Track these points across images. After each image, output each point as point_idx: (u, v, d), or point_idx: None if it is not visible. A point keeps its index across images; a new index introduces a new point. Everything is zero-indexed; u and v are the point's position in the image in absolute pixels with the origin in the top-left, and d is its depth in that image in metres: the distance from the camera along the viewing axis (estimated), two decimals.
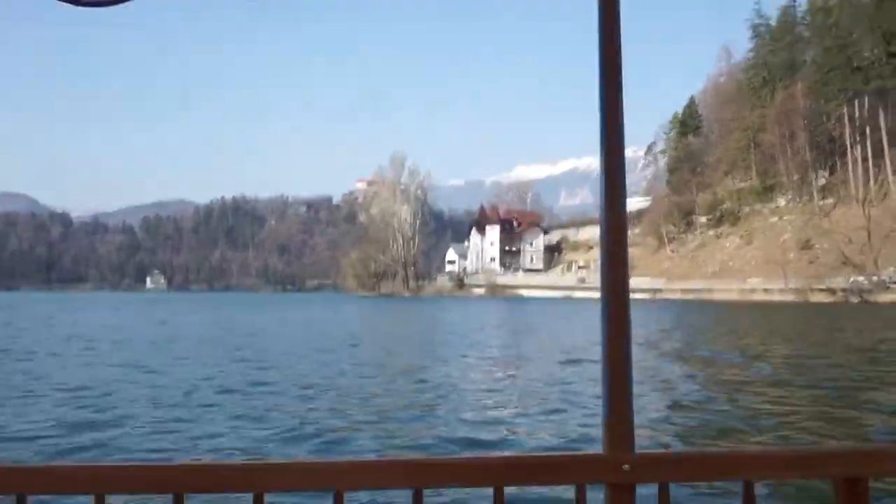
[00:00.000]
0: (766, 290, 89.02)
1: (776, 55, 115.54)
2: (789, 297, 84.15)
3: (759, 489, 1.74)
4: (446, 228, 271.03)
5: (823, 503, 2.06)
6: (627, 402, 1.79)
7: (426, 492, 1.82)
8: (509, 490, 1.81)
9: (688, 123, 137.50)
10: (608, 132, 1.86)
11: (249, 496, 1.78)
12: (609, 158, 1.84)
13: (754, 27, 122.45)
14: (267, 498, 1.80)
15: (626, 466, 1.76)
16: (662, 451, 1.75)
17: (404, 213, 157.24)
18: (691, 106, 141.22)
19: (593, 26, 1.91)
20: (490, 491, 1.82)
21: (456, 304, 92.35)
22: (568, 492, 1.82)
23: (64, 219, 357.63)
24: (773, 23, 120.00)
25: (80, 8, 1.68)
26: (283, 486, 1.78)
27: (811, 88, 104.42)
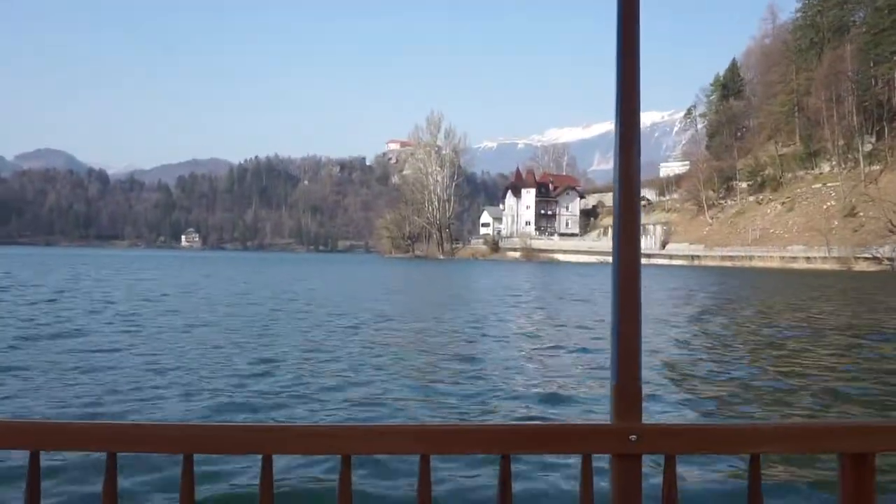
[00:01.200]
0: (807, 259, 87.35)
1: (824, 16, 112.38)
2: (832, 266, 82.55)
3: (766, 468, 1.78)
4: (479, 191, 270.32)
5: (830, 478, 2.12)
6: (636, 373, 1.79)
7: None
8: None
9: (729, 86, 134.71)
10: (623, 103, 1.83)
11: (258, 458, 1.78)
12: (624, 132, 1.82)
13: None
14: (275, 459, 1.80)
15: (632, 437, 1.76)
16: (669, 422, 1.80)
17: (440, 174, 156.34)
18: (733, 68, 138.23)
19: None
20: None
21: (493, 267, 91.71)
22: (575, 459, 1.83)
23: (101, 175, 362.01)
24: None
25: None
26: (290, 449, 1.81)
27: (860, 50, 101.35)
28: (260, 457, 1.77)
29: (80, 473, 6.05)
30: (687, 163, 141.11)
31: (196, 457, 1.79)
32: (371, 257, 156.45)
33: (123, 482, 5.88)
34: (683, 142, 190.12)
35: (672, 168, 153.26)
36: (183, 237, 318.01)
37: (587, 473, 1.81)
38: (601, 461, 1.82)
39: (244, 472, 6.07)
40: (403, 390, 10.40)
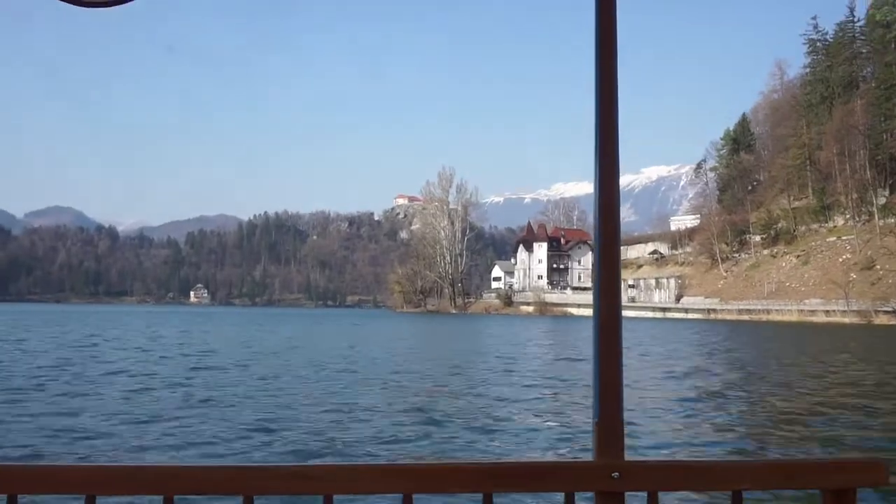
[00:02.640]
0: (826, 312, 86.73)
1: (834, 71, 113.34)
2: (851, 319, 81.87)
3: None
4: (487, 245, 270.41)
5: None
6: (618, 410, 1.79)
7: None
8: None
9: (740, 140, 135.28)
10: (603, 153, 1.84)
11: (239, 499, 1.77)
12: (603, 178, 1.84)
13: (810, 42, 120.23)
14: (256, 502, 1.79)
15: (615, 474, 1.75)
16: (652, 459, 1.82)
17: (451, 229, 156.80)
18: (744, 122, 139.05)
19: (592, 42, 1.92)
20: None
21: (511, 322, 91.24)
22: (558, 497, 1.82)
23: (111, 232, 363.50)
24: (829, 38, 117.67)
25: (81, 8, 1.66)
26: (271, 490, 1.77)
27: (871, 105, 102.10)
28: (241, 498, 1.76)
29: None
30: (698, 216, 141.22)
31: (178, 499, 1.76)
32: (382, 312, 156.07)
33: None
34: (690, 195, 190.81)
35: (683, 221, 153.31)
36: (192, 293, 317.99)
37: None
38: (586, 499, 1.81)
39: None
40: None
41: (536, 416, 13.45)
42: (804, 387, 18.79)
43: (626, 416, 1.78)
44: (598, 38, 1.89)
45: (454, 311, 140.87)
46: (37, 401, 14.68)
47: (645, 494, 1.82)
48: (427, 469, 1.83)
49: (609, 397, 1.79)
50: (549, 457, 9.32)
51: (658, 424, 12.25)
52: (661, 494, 1.82)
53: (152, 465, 1.79)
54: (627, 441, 1.84)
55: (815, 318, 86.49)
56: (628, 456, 1.81)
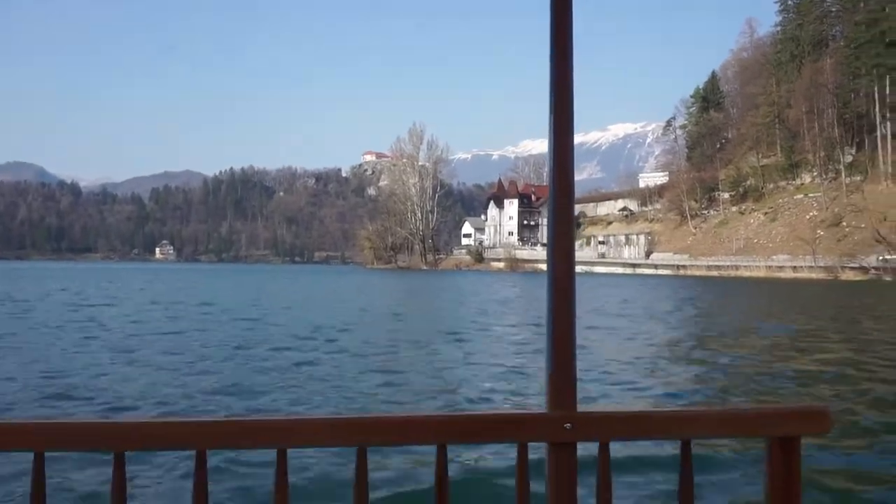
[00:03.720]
0: (794, 268, 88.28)
1: (804, 29, 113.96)
2: (818, 275, 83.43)
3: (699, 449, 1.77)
4: (456, 202, 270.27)
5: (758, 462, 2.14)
6: (571, 362, 1.80)
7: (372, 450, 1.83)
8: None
9: (710, 98, 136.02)
10: (557, 111, 1.83)
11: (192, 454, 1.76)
12: (558, 136, 1.82)
13: (782, 0, 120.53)
14: (210, 456, 1.78)
15: (567, 425, 1.78)
16: (603, 410, 1.89)
17: (421, 186, 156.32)
18: (713, 80, 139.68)
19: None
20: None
21: (484, 277, 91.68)
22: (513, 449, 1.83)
23: (73, 188, 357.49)
24: None
25: None
26: (226, 444, 1.78)
27: (840, 64, 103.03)
28: (194, 452, 1.76)
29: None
30: (667, 174, 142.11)
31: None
32: (352, 268, 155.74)
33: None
34: (657, 153, 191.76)
35: (651, 179, 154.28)
36: (157, 250, 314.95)
37: (522, 462, 1.82)
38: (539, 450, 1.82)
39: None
40: None
41: (498, 369, 13.51)
42: (761, 341, 19.06)
43: (582, 368, 1.77)
44: (553, 20, 1.84)
45: (425, 268, 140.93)
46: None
47: (596, 444, 1.84)
48: (381, 421, 1.84)
49: (561, 349, 1.79)
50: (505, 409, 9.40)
51: (613, 378, 12.42)
52: (612, 444, 1.84)
53: (105, 422, 1.82)
54: (582, 394, 1.84)
55: (782, 274, 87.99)
56: (582, 408, 1.81)
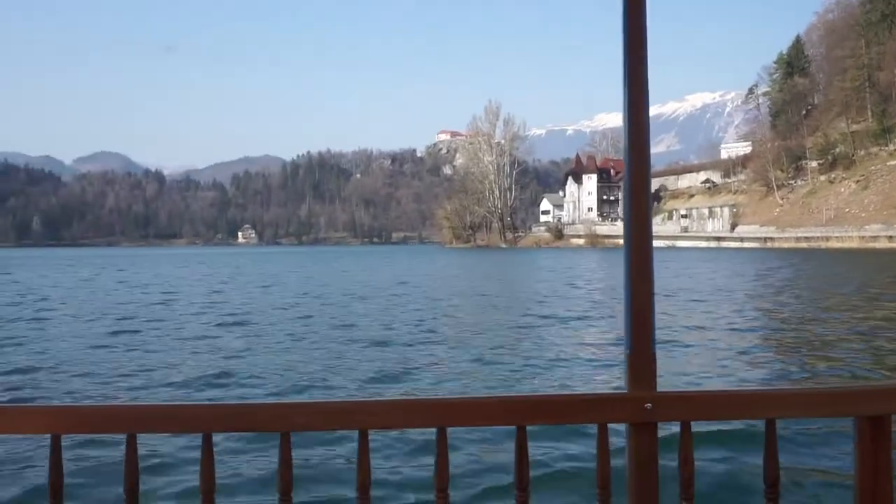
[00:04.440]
0: (890, 238, 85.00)
1: None
2: None
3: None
4: (532, 179, 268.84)
5: (847, 441, 2.14)
6: (650, 342, 1.79)
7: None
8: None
9: (794, 63, 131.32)
10: (631, 87, 1.81)
11: (276, 435, 1.79)
12: (632, 109, 1.81)
13: None
14: (293, 437, 1.81)
15: (647, 405, 1.77)
16: (684, 390, 1.88)
17: (499, 163, 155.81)
18: (797, 45, 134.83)
19: None
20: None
21: (563, 255, 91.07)
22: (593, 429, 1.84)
23: (158, 176, 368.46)
24: None
25: None
26: (312, 426, 1.83)
27: None
28: (279, 434, 1.80)
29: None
30: (749, 143, 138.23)
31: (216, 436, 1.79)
32: (432, 248, 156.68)
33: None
34: (737, 122, 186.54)
35: (734, 149, 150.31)
36: (239, 234, 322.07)
37: (603, 442, 1.83)
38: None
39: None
40: None
41: (579, 348, 13.69)
42: (849, 315, 18.49)
43: (661, 346, 1.78)
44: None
45: (504, 246, 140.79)
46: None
47: (678, 424, 1.83)
48: (462, 403, 1.85)
49: (640, 329, 1.78)
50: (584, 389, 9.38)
51: (693, 355, 12.34)
52: (693, 424, 1.82)
53: (191, 404, 1.87)
54: (661, 371, 1.84)
55: (877, 245, 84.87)
56: (661, 386, 1.80)
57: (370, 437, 1.82)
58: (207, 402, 1.80)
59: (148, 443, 6.61)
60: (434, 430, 1.81)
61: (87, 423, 1.82)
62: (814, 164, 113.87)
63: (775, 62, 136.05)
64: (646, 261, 1.81)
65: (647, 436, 1.81)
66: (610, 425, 1.84)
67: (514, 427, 1.83)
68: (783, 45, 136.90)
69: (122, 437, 1.79)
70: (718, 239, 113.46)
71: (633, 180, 1.81)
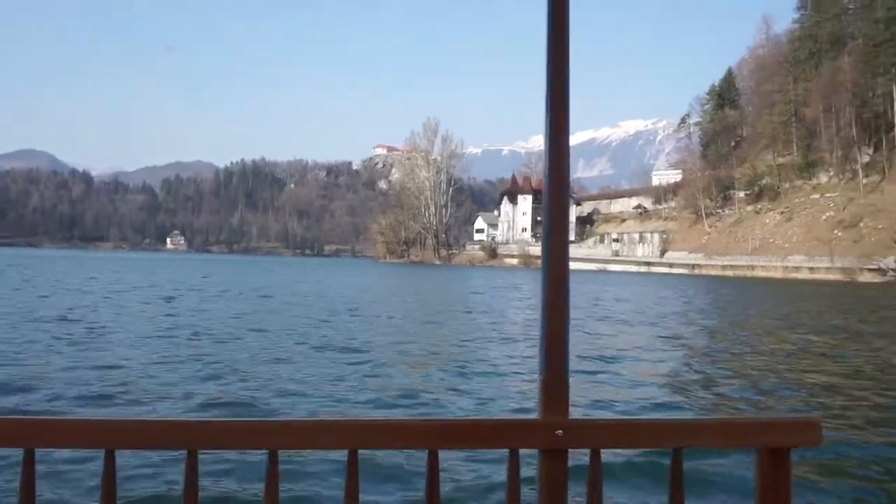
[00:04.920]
0: (810, 269, 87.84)
1: (823, 27, 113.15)
2: (836, 276, 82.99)
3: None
4: (467, 197, 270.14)
5: (748, 472, 2.18)
6: (563, 367, 1.80)
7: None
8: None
9: (725, 95, 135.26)
10: (553, 107, 1.83)
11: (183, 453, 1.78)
12: (553, 131, 1.82)
13: None
14: (200, 455, 1.79)
15: (559, 432, 1.78)
16: (595, 417, 1.90)
17: (435, 180, 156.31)
18: (729, 78, 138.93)
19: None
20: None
21: (497, 273, 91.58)
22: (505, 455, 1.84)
23: (85, 177, 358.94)
24: None
25: None
26: (218, 444, 1.79)
27: (859, 62, 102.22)
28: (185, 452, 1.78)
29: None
30: (680, 171, 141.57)
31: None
32: (365, 262, 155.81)
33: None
34: (668, 150, 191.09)
35: (665, 176, 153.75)
36: (168, 240, 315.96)
37: (513, 469, 1.83)
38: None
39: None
40: None
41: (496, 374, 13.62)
42: (760, 345, 19.07)
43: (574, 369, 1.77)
44: (550, 7, 1.85)
45: (438, 263, 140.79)
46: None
47: (588, 452, 1.84)
48: (373, 425, 1.84)
49: (554, 353, 1.80)
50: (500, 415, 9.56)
51: (604, 379, 12.70)
52: (603, 452, 1.84)
53: (98, 420, 1.83)
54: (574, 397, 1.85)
55: (799, 275, 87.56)
56: (574, 413, 1.81)
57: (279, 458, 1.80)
58: (109, 418, 1.83)
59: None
60: (345, 452, 1.82)
61: (63, 438, 1.79)
62: (741, 194, 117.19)
63: (707, 93, 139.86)
64: (561, 283, 1.81)
65: (558, 463, 1.82)
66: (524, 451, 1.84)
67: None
68: (714, 76, 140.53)
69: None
70: (648, 264, 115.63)
71: (551, 204, 1.82)
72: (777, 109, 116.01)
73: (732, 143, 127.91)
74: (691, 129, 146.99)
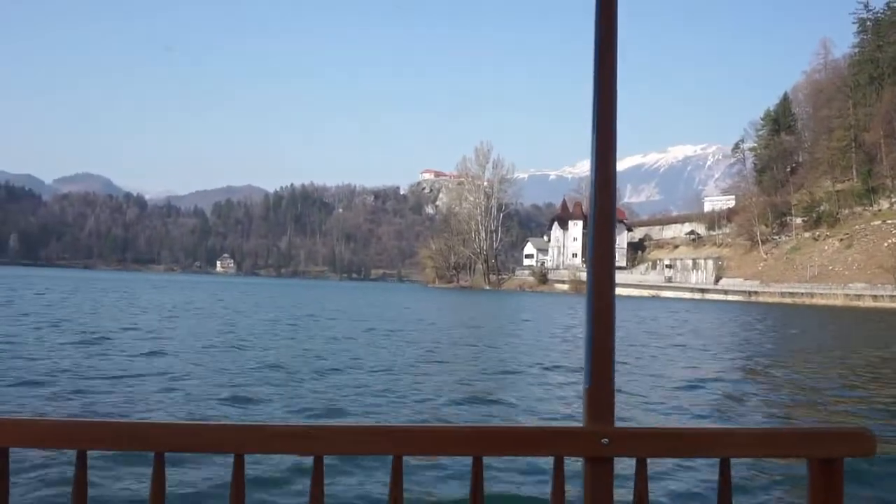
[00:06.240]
0: (874, 297, 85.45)
1: (884, 51, 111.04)
2: None
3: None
4: (515, 222, 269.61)
5: (800, 483, 2.18)
6: (609, 377, 1.81)
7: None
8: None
9: (780, 121, 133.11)
10: (599, 137, 1.85)
11: (230, 457, 1.79)
12: (600, 152, 1.85)
13: (860, 21, 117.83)
14: (248, 458, 1.79)
15: (604, 440, 1.78)
16: (641, 426, 1.94)
17: (487, 205, 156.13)
18: (785, 103, 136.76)
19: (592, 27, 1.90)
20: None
21: (549, 299, 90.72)
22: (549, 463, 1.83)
23: (139, 200, 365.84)
24: (880, 16, 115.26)
25: None
26: (262, 448, 1.80)
27: None
28: (232, 456, 1.78)
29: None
30: (732, 197, 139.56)
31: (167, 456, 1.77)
32: (411, 287, 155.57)
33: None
34: (716, 176, 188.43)
35: (717, 202, 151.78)
36: (218, 263, 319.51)
37: (559, 476, 1.82)
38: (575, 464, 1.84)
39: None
40: None
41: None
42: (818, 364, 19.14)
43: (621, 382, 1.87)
44: (599, 7, 1.87)
45: (488, 288, 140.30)
46: None
47: (633, 460, 1.84)
48: (418, 431, 1.83)
49: (600, 364, 1.80)
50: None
51: (652, 393, 12.88)
52: (649, 460, 1.83)
53: (142, 422, 1.85)
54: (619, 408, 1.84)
55: (861, 303, 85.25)
56: (619, 423, 1.82)
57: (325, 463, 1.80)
58: (154, 421, 1.80)
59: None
60: (389, 457, 1.81)
61: (32, 438, 1.79)
62: (798, 220, 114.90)
63: (762, 118, 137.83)
64: (607, 295, 1.82)
65: (603, 471, 1.81)
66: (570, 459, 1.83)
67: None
68: (767, 101, 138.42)
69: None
70: (703, 290, 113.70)
71: (597, 222, 1.83)
72: (836, 135, 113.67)
73: (789, 169, 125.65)
74: (745, 155, 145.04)
